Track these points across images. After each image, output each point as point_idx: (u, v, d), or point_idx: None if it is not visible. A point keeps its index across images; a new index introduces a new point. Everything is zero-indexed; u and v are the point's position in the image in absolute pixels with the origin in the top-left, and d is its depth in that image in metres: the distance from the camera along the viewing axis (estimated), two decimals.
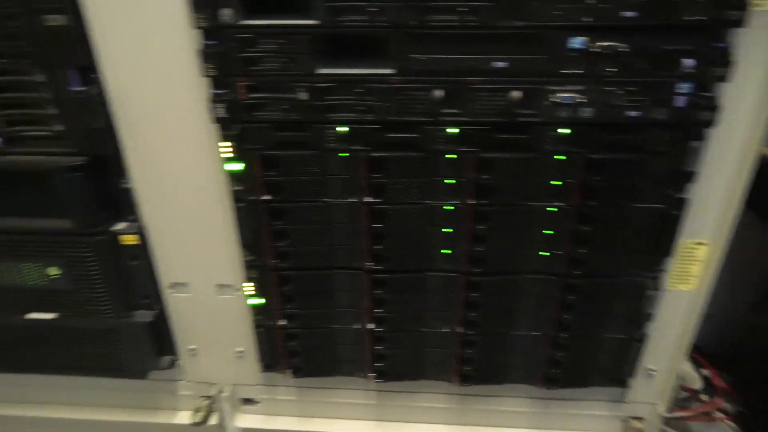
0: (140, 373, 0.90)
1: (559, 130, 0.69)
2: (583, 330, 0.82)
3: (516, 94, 0.67)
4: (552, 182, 0.72)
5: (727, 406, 1.20)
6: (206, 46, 0.65)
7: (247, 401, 0.98)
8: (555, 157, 0.71)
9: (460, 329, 0.84)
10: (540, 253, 0.77)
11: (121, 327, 0.85)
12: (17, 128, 0.72)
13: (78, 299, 0.83)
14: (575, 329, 0.82)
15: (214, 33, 0.65)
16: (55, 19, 0.64)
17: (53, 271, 0.81)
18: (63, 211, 0.77)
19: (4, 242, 0.79)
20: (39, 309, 0.85)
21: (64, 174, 0.73)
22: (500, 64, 0.65)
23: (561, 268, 0.78)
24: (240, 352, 0.91)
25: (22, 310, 0.85)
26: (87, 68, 0.69)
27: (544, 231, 0.76)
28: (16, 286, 0.83)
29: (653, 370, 0.87)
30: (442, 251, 0.78)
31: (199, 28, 0.64)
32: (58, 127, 0.71)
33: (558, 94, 0.66)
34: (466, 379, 0.89)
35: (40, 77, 0.68)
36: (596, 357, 0.85)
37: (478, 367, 0.87)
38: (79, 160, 0.73)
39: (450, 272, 0.80)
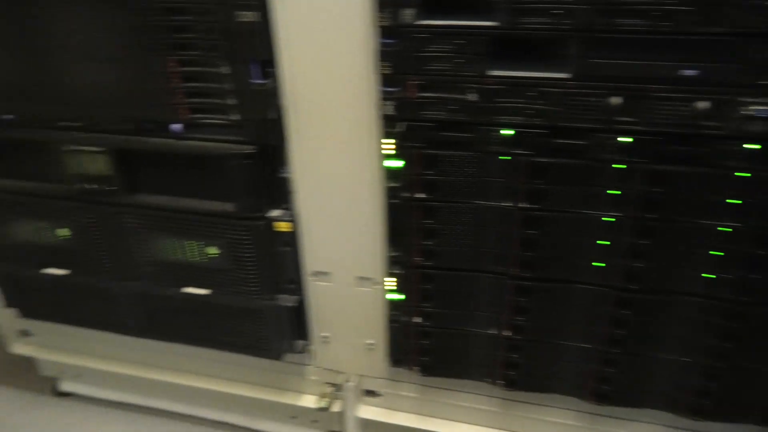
0: (276, 354, 0.95)
1: (746, 146, 0.64)
2: (746, 360, 0.76)
3: (703, 105, 0.62)
4: (730, 201, 0.67)
5: None
6: (385, 44, 0.67)
7: (370, 393, 1.00)
8: (737, 174, 0.66)
9: (602, 346, 0.81)
10: (704, 275, 0.73)
11: (265, 308, 0.90)
12: (198, 116, 0.78)
13: (231, 278, 0.88)
14: (735, 359, 0.76)
15: (393, 32, 0.66)
16: (246, 16, 0.68)
17: (212, 250, 0.87)
18: (229, 196, 0.82)
19: (173, 220, 0.86)
20: (195, 284, 0.91)
21: (236, 161, 0.78)
22: (689, 72, 0.62)
23: (725, 293, 0.73)
24: (370, 344, 0.93)
25: (180, 283, 0.92)
26: (267, 62, 0.73)
27: (712, 252, 0.71)
28: (177, 262, 0.90)
29: None
30: (594, 264, 0.75)
31: (380, 26, 0.66)
32: (235, 117, 0.76)
33: (751, 107, 0.62)
34: (602, 399, 0.85)
35: (225, 69, 0.73)
36: (753, 390, 0.78)
37: (616, 387, 0.83)
38: (249, 148, 0.78)
39: (600, 286, 0.77)
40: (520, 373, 0.86)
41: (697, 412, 0.81)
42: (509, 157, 0.71)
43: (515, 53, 0.67)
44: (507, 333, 0.83)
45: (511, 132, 0.69)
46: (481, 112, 0.69)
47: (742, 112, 0.62)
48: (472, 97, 0.68)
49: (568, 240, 0.75)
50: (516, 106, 0.68)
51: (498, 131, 0.70)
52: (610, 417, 0.89)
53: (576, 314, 0.80)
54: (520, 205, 0.73)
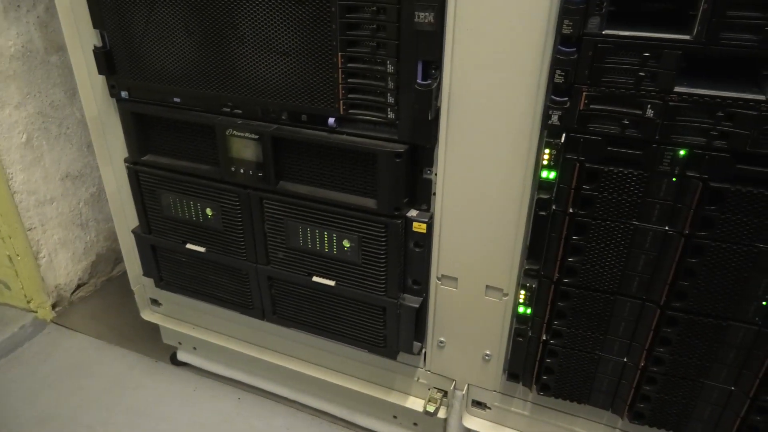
0: (392, 353, 0.95)
1: None
2: None
3: None
4: None
5: None
6: (562, 52, 0.65)
7: (478, 404, 0.99)
8: None
9: (748, 391, 0.74)
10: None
11: (389, 306, 0.90)
12: (355, 111, 0.79)
13: (360, 273, 0.90)
14: None
15: (573, 40, 0.64)
16: (425, 17, 0.69)
17: (347, 243, 0.88)
18: (372, 192, 0.83)
19: (314, 210, 0.88)
20: (324, 274, 0.93)
21: (385, 158, 0.79)
22: None
23: None
24: (488, 355, 0.91)
25: (310, 272, 0.94)
26: (432, 63, 0.73)
27: None
28: (311, 251, 0.92)
29: None
30: (763, 303, 0.69)
31: (563, 34, 0.64)
32: (391, 115, 0.77)
33: None
34: None
35: (391, 68, 0.74)
36: None
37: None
38: (400, 147, 0.78)
39: (762, 327, 0.71)
40: (651, 407, 0.81)
41: None
42: (677, 179, 0.67)
43: (705, 69, 0.63)
44: (642, 363, 0.79)
45: (685, 152, 0.65)
46: (657, 130, 0.65)
47: None
48: (650, 113, 0.65)
49: (737, 274, 0.69)
50: (699, 127, 0.63)
51: (672, 151, 0.66)
52: None
53: (729, 354, 0.74)
54: (685, 231, 0.69)
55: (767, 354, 0.72)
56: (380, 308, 0.92)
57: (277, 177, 0.90)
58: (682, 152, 0.66)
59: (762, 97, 0.60)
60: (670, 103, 0.63)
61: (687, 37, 0.60)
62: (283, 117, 0.84)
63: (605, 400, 0.85)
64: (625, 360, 0.80)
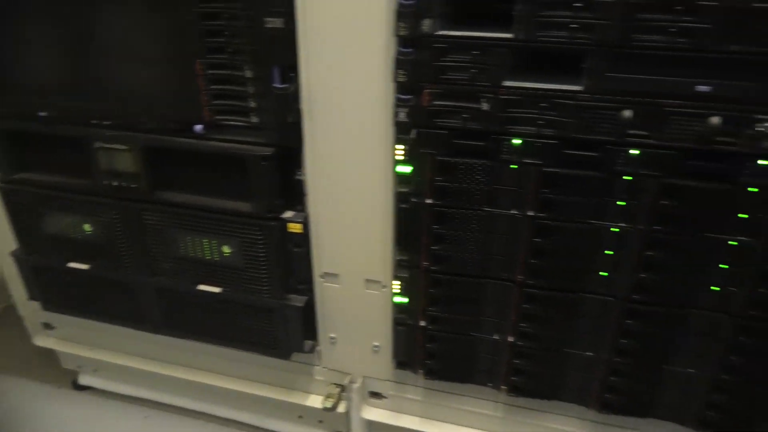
0: (285, 353, 0.96)
1: (761, 162, 0.64)
2: (753, 374, 0.76)
3: (716, 121, 0.63)
4: (740, 215, 0.68)
5: None
6: (401, 53, 0.69)
7: (375, 395, 1.02)
8: (750, 189, 0.66)
9: (608, 355, 0.81)
10: (712, 288, 0.73)
11: (276, 307, 0.92)
12: (221, 117, 0.80)
13: (243, 277, 0.90)
14: (742, 373, 0.76)
15: (411, 41, 0.68)
16: (274, 22, 0.70)
17: (227, 248, 0.89)
18: (246, 196, 0.84)
19: (192, 217, 0.88)
20: (209, 282, 0.93)
21: (254, 162, 0.80)
22: (704, 89, 0.62)
23: (736, 308, 0.73)
24: (376, 346, 0.95)
25: (196, 281, 0.94)
26: (289, 67, 0.74)
27: (721, 266, 0.71)
28: (194, 259, 0.92)
29: None
30: (600, 273, 0.76)
31: (399, 36, 0.67)
32: (255, 119, 0.78)
33: (765, 124, 0.62)
34: (605, 408, 0.85)
35: (249, 73, 0.75)
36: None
37: (623, 397, 0.84)
38: (267, 150, 0.79)
39: (606, 296, 0.78)
40: (525, 379, 0.87)
41: (706, 424, 0.82)
42: (518, 166, 0.72)
43: (532, 65, 0.69)
44: (512, 339, 0.84)
45: (520, 141, 0.70)
46: (494, 122, 0.70)
47: (756, 129, 0.63)
48: (485, 106, 0.69)
49: (576, 249, 0.75)
50: (529, 117, 0.69)
51: (509, 140, 0.71)
52: (613, 426, 0.89)
53: (582, 323, 0.81)
54: (529, 213, 0.74)
55: (616, 320, 0.79)
56: (267, 310, 0.93)
57: (152, 187, 0.88)
58: (518, 141, 0.71)
59: (579, 88, 0.66)
60: (501, 97, 0.68)
61: (509, 35, 0.65)
62: (152, 126, 0.84)
63: (485, 377, 0.90)
64: (496, 338, 0.86)
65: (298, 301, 0.92)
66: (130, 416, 1.22)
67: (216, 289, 0.93)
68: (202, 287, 0.94)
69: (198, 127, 0.82)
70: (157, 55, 0.78)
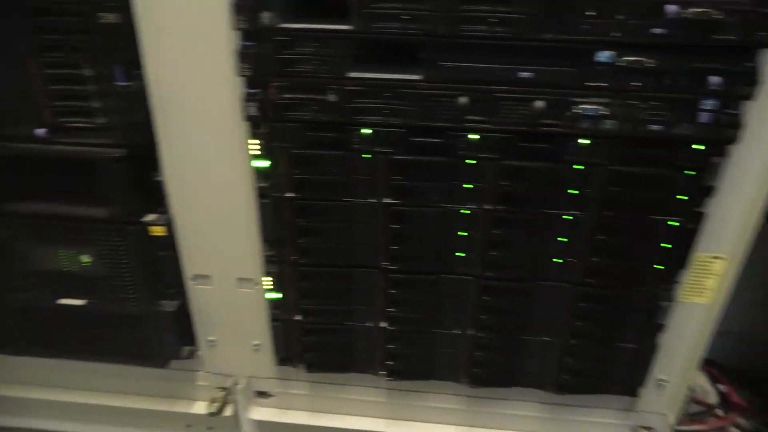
0: (162, 362, 0.93)
1: (581, 141, 0.71)
2: (596, 338, 0.83)
3: (539, 104, 0.68)
4: (570, 191, 0.74)
5: (744, 422, 1.20)
6: (243, 47, 0.68)
7: (262, 394, 1.01)
8: (575, 167, 0.72)
9: (472, 332, 0.86)
10: (555, 260, 0.79)
11: (146, 315, 0.88)
12: (64, 119, 0.75)
13: (108, 286, 0.86)
14: (588, 337, 0.83)
15: (252, 35, 0.68)
16: (109, 17, 0.67)
17: (86, 258, 0.84)
18: (100, 201, 0.80)
19: (45, 228, 0.83)
20: (70, 295, 0.88)
21: (104, 165, 0.76)
22: (526, 75, 0.67)
23: (576, 276, 0.80)
24: (257, 345, 0.94)
25: (55, 295, 0.88)
26: (132, 64, 0.72)
27: (559, 239, 0.77)
28: (50, 271, 0.86)
29: (664, 381, 0.88)
30: (457, 254, 0.80)
31: (239, 29, 0.67)
32: (101, 120, 0.74)
33: (582, 106, 0.68)
34: (476, 381, 0.90)
35: (88, 71, 0.71)
36: (608, 365, 0.86)
37: (489, 369, 0.89)
38: (118, 152, 0.76)
39: (464, 275, 0.82)
40: (400, 362, 0.90)
41: (562, 387, 0.88)
42: (370, 155, 0.74)
43: (378, 56, 0.71)
44: (383, 324, 0.87)
45: (370, 131, 0.72)
46: (342, 113, 0.71)
47: (574, 111, 0.69)
48: (332, 98, 0.71)
49: (432, 232, 0.79)
50: (374, 107, 0.71)
51: (359, 130, 0.73)
52: (484, 398, 0.94)
53: (446, 303, 0.84)
54: (384, 200, 0.77)
55: (475, 298, 0.83)
56: (137, 319, 0.89)
57: None
58: (367, 131, 0.73)
59: (418, 77, 0.69)
60: (347, 88, 0.70)
61: (348, 27, 0.67)
62: None
63: (365, 364, 0.92)
64: (369, 325, 0.88)
65: (169, 306, 0.89)
66: None
67: (79, 302, 0.88)
68: (64, 301, 0.88)
69: (40, 131, 0.77)
70: None
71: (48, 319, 0.91)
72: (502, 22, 0.65)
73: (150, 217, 0.83)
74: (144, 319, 0.89)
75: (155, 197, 0.82)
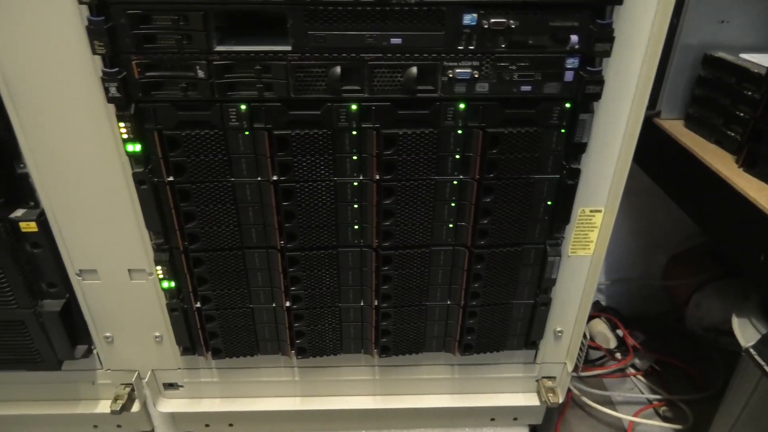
0: (54, 364, 0.88)
1: (458, 105, 0.71)
2: (492, 297, 0.86)
3: (413, 71, 0.68)
4: (454, 156, 0.75)
5: (639, 363, 1.30)
6: (92, 22, 0.63)
7: (170, 386, 0.98)
8: (455, 131, 0.73)
9: (374, 303, 0.87)
10: (448, 225, 0.80)
11: (28, 317, 0.83)
12: None
13: None
14: (484, 297, 0.86)
15: (101, 8, 0.63)
16: None
17: None
18: None
19: None
20: None
21: None
22: (396, 41, 0.67)
23: (466, 239, 0.81)
24: (158, 336, 0.90)
25: None
26: None
27: (448, 204, 0.79)
28: None
29: (560, 332, 0.93)
30: (351, 227, 0.80)
31: (83, 3, 0.62)
32: None
33: (454, 70, 0.68)
34: (384, 351, 0.91)
35: None
36: (507, 322, 0.90)
37: (395, 338, 0.90)
38: None
39: (360, 247, 0.82)
40: (308, 340, 0.89)
41: (466, 347, 0.91)
42: (247, 132, 0.71)
43: (245, 28, 0.68)
44: (287, 304, 0.86)
45: (245, 107, 0.70)
46: (213, 90, 0.68)
47: (448, 76, 0.69)
48: (201, 74, 0.67)
49: (324, 207, 0.78)
50: (246, 81, 0.68)
51: (235, 107, 0.70)
52: (397, 366, 0.96)
53: (345, 276, 0.84)
54: (272, 179, 0.75)
55: (374, 269, 0.83)
56: (18, 322, 0.83)
57: None
58: (243, 107, 0.70)
59: (287, 48, 0.67)
60: (214, 63, 0.67)
61: None
62: None
63: (273, 346, 0.91)
64: (272, 305, 0.86)
65: (53, 306, 0.83)
66: None
67: None
68: None
69: None
70: None
71: None
72: None
73: (18, 213, 0.77)
74: (26, 322, 0.83)
75: (23, 191, 0.76)
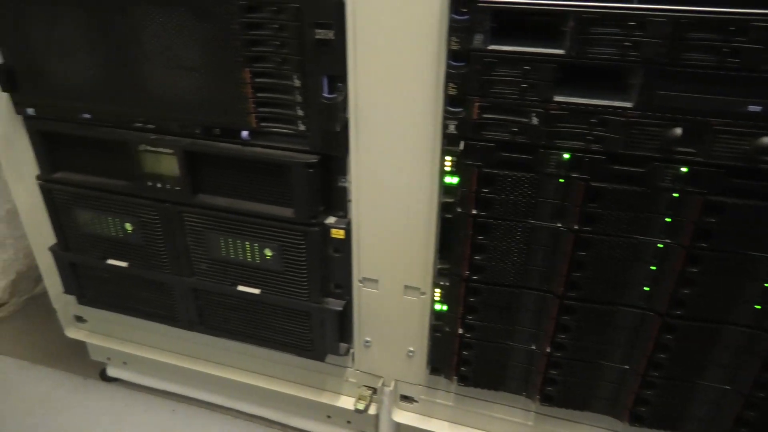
0: (320, 355, 0.98)
1: None
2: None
3: (766, 140, 0.64)
4: None
5: None
6: (453, 66, 0.70)
7: (406, 398, 1.03)
8: None
9: (641, 369, 0.82)
10: (756, 306, 0.74)
11: (313, 311, 0.93)
12: (266, 124, 0.81)
13: (282, 280, 0.92)
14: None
15: (462, 55, 0.69)
16: (323, 34, 0.72)
17: (268, 252, 0.90)
18: (288, 201, 0.86)
19: (233, 221, 0.90)
20: (248, 283, 0.95)
21: (298, 169, 0.81)
22: (755, 109, 0.63)
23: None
24: (411, 351, 0.96)
25: (235, 282, 0.96)
26: (337, 78, 0.76)
27: (765, 284, 0.72)
28: (233, 261, 0.94)
29: None
30: (642, 288, 0.77)
31: (451, 50, 0.69)
32: (302, 128, 0.79)
33: None
34: (637, 420, 0.86)
35: (297, 82, 0.76)
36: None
37: (654, 410, 0.84)
38: (312, 158, 0.81)
39: (645, 310, 0.79)
40: (558, 389, 0.88)
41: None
42: (564, 180, 0.73)
43: (581, 80, 0.70)
44: (548, 350, 0.85)
45: (568, 156, 0.71)
46: (542, 136, 0.71)
47: None
48: (534, 121, 0.70)
49: (618, 263, 0.76)
50: (577, 132, 0.70)
51: (556, 154, 0.72)
52: None
53: (618, 336, 0.82)
54: (573, 227, 0.75)
55: (653, 334, 0.79)
56: (305, 313, 0.94)
57: (194, 190, 0.90)
58: (565, 156, 0.72)
59: (628, 104, 0.67)
60: (551, 112, 0.69)
61: (560, 51, 0.66)
62: (197, 131, 0.85)
63: (519, 385, 0.91)
64: (533, 348, 0.87)
65: (335, 305, 0.93)
66: (158, 409, 1.24)
67: (255, 291, 0.95)
68: (242, 288, 0.95)
69: (244, 134, 0.83)
70: (203, 62, 0.79)
71: (223, 302, 1.00)
72: (736, 51, 0.61)
73: (330, 220, 0.88)
74: (311, 314, 0.94)
75: (338, 201, 0.87)
